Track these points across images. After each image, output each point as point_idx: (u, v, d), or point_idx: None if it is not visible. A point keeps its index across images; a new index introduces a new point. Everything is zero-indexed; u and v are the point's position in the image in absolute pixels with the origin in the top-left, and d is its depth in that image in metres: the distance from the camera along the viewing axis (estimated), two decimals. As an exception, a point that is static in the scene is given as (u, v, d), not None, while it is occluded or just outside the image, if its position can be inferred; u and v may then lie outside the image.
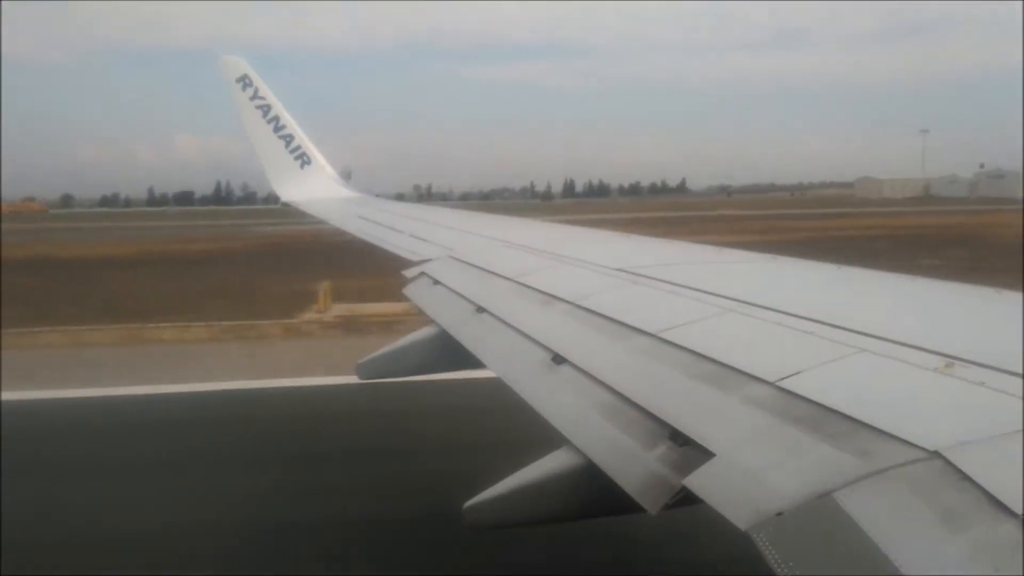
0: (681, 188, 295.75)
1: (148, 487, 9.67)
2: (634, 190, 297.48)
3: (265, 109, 13.87)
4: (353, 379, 5.71)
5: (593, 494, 2.67)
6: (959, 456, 1.80)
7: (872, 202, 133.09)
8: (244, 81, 13.77)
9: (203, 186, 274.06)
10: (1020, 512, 1.56)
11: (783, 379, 2.47)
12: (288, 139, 14.06)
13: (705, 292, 3.75)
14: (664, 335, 3.18)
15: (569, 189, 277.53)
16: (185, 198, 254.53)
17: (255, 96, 13.82)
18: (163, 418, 12.65)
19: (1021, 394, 2.06)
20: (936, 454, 1.83)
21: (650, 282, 4.22)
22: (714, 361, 2.79)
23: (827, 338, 2.79)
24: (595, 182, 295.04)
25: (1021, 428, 1.88)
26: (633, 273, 4.47)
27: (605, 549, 7.39)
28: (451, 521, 3.19)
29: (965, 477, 1.72)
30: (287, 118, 14.07)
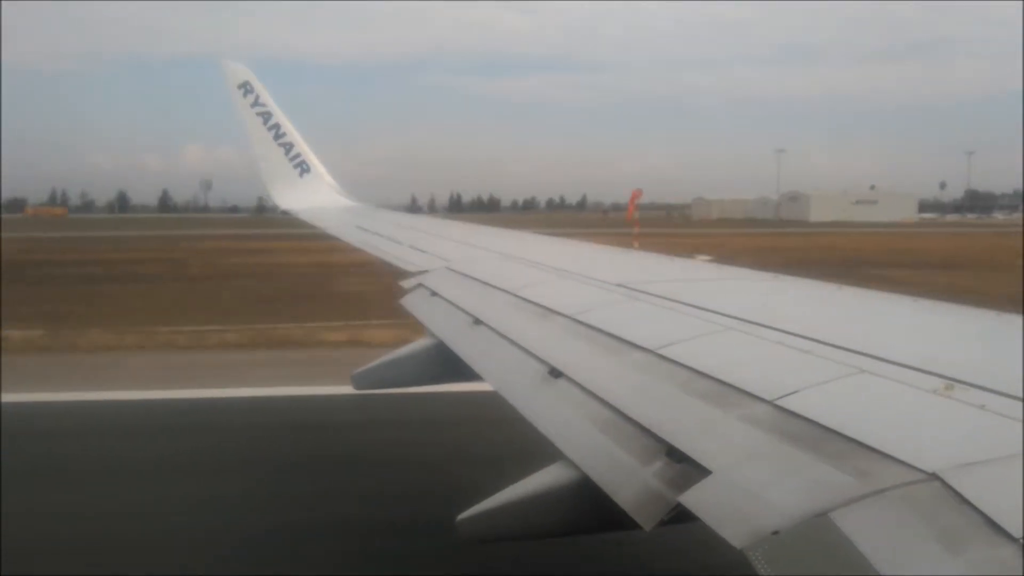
0: (581, 205, 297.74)
1: (143, 491, 9.63)
2: (528, 205, 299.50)
3: (266, 116, 13.89)
4: (348, 389, 5.70)
5: (588, 509, 2.66)
6: (957, 478, 1.79)
7: (694, 223, 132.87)
8: (245, 87, 13.80)
9: (220, 198, 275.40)
10: (1018, 536, 1.55)
11: (781, 398, 2.46)
12: (288, 147, 14.07)
13: (705, 309, 3.74)
14: (662, 351, 3.18)
15: (455, 203, 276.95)
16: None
17: (256, 103, 13.85)
18: (159, 423, 12.61)
19: (1021, 417, 2.06)
20: (934, 476, 1.82)
21: (650, 298, 4.21)
22: (712, 378, 2.78)
23: (826, 358, 2.78)
24: (484, 197, 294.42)
25: (1020, 451, 1.87)
26: (633, 289, 4.47)
27: (599, 566, 7.36)
28: (444, 534, 3.17)
29: (963, 500, 1.71)
30: (287, 126, 14.09)
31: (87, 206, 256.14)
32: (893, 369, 2.56)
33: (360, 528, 8.71)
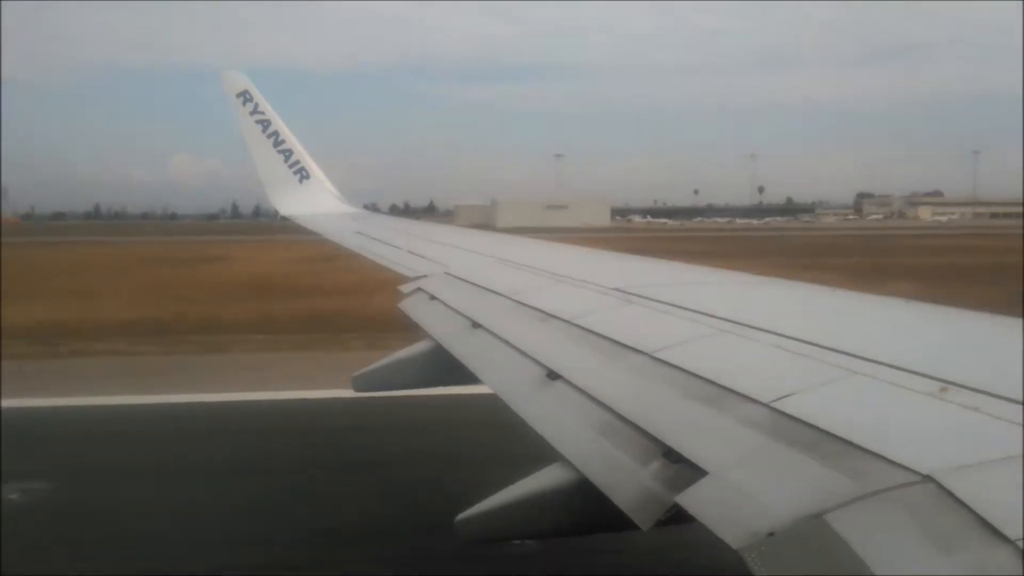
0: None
1: (144, 492, 9.66)
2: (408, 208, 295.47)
3: (265, 124, 13.92)
4: (348, 393, 5.71)
5: (586, 510, 2.67)
6: (952, 480, 1.80)
7: (488, 227, 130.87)
8: (245, 96, 13.83)
9: (198, 206, 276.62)
10: (1012, 537, 1.56)
11: (777, 400, 2.48)
12: (287, 154, 14.10)
13: (701, 313, 3.76)
14: (659, 354, 3.19)
15: (430, 208, 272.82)
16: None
17: (255, 111, 13.87)
18: (158, 428, 12.60)
19: (1014, 420, 2.07)
20: (929, 478, 1.83)
21: (646, 302, 4.23)
22: (708, 381, 2.80)
23: (822, 360, 2.80)
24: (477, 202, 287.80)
25: (1014, 453, 1.88)
26: (629, 293, 4.48)
27: (596, 566, 7.36)
28: (443, 534, 3.18)
29: (957, 501, 1.72)
30: (286, 133, 14.11)
31: (57, 216, 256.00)
32: (888, 372, 2.57)
33: (359, 528, 8.71)
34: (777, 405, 2.45)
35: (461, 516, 2.94)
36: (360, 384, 5.57)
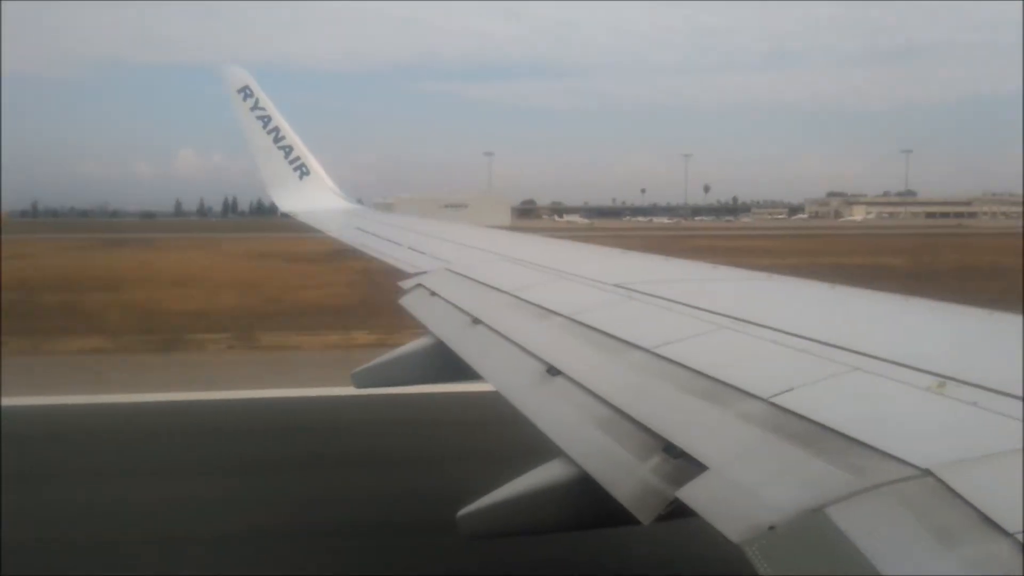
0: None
1: (141, 493, 9.65)
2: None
3: (265, 120, 13.90)
4: (348, 390, 5.72)
5: (587, 505, 2.69)
6: (951, 474, 1.81)
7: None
8: (245, 92, 13.81)
9: (195, 203, 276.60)
10: (1011, 530, 1.58)
11: (776, 395, 2.49)
12: (288, 150, 14.08)
13: (701, 309, 3.77)
14: (659, 350, 3.20)
15: (231, 207, 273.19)
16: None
17: (256, 107, 13.86)
18: (158, 426, 12.61)
19: (1013, 414, 2.08)
20: (928, 472, 1.84)
21: (646, 298, 4.24)
22: (708, 377, 2.81)
23: (821, 356, 2.81)
24: (265, 202, 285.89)
25: (1013, 448, 1.90)
26: (630, 289, 4.49)
27: (597, 561, 7.37)
28: (444, 530, 3.19)
29: (956, 495, 1.73)
30: (287, 129, 14.10)
31: (50, 212, 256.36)
32: (887, 367, 2.58)
33: (360, 525, 8.73)
34: (777, 400, 2.46)
35: (462, 512, 2.95)
36: (360, 380, 5.58)
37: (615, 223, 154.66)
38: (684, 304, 3.93)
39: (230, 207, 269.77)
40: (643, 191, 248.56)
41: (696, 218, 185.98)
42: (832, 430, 2.19)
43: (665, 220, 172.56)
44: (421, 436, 11.75)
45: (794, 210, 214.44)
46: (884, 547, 1.67)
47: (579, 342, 3.71)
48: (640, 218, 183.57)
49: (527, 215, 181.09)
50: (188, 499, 9.46)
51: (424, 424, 12.03)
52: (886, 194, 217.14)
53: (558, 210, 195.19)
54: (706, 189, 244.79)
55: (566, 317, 4.11)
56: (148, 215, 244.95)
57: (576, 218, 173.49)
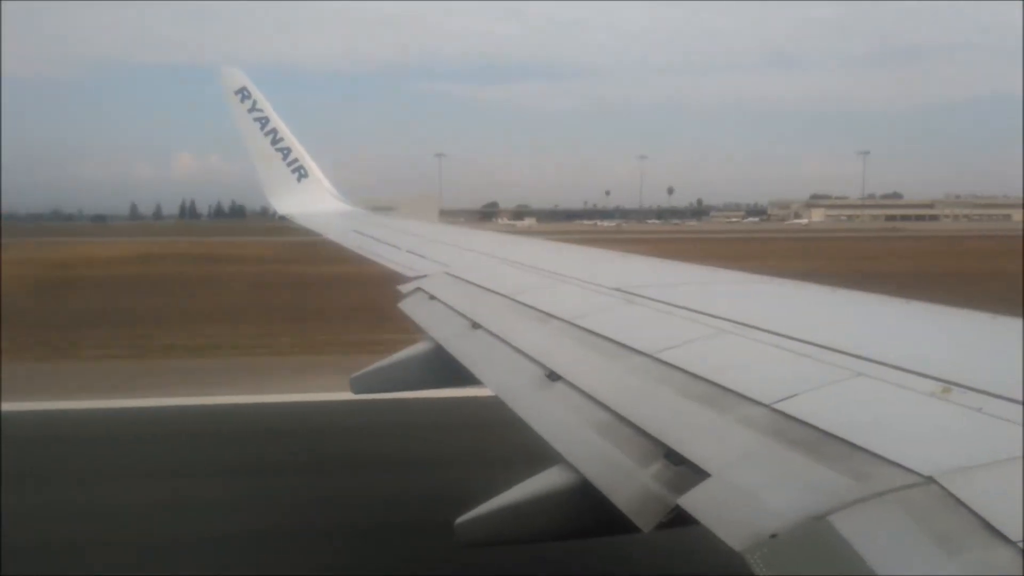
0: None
1: (140, 496, 9.64)
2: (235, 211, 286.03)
3: (263, 121, 13.85)
4: (346, 395, 5.68)
5: (587, 512, 2.66)
6: (954, 481, 1.79)
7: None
8: (243, 93, 13.76)
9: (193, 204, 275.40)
10: (1014, 538, 1.56)
11: (779, 401, 2.47)
12: (285, 152, 14.03)
13: (701, 313, 3.75)
14: (660, 355, 3.18)
15: (189, 210, 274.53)
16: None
17: (253, 108, 13.81)
18: (159, 430, 12.61)
19: (1018, 420, 2.06)
20: (931, 479, 1.82)
21: (646, 302, 4.22)
22: (710, 382, 2.79)
23: (824, 361, 2.79)
24: (224, 205, 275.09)
25: (1017, 455, 1.88)
26: (630, 293, 4.47)
27: (598, 569, 7.35)
28: (442, 537, 3.17)
29: (960, 503, 1.71)
30: (285, 131, 14.04)
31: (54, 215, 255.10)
32: (890, 372, 2.56)
33: (358, 531, 8.71)
34: (779, 406, 2.44)
35: (461, 519, 2.93)
36: (358, 386, 5.54)
37: (562, 226, 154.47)
38: (685, 308, 3.91)
39: (187, 211, 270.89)
40: (607, 193, 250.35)
41: (649, 221, 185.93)
42: (835, 436, 2.17)
43: (606, 223, 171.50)
44: (420, 441, 11.73)
45: (756, 212, 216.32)
46: (887, 555, 1.65)
47: (579, 346, 3.69)
48: (586, 221, 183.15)
49: (488, 218, 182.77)
50: (187, 503, 9.45)
51: (423, 429, 12.01)
52: (870, 196, 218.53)
53: (521, 213, 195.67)
54: (670, 191, 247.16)
55: (566, 321, 4.09)
56: (99, 218, 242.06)
57: (533, 221, 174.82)
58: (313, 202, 13.83)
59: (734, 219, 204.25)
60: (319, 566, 7.94)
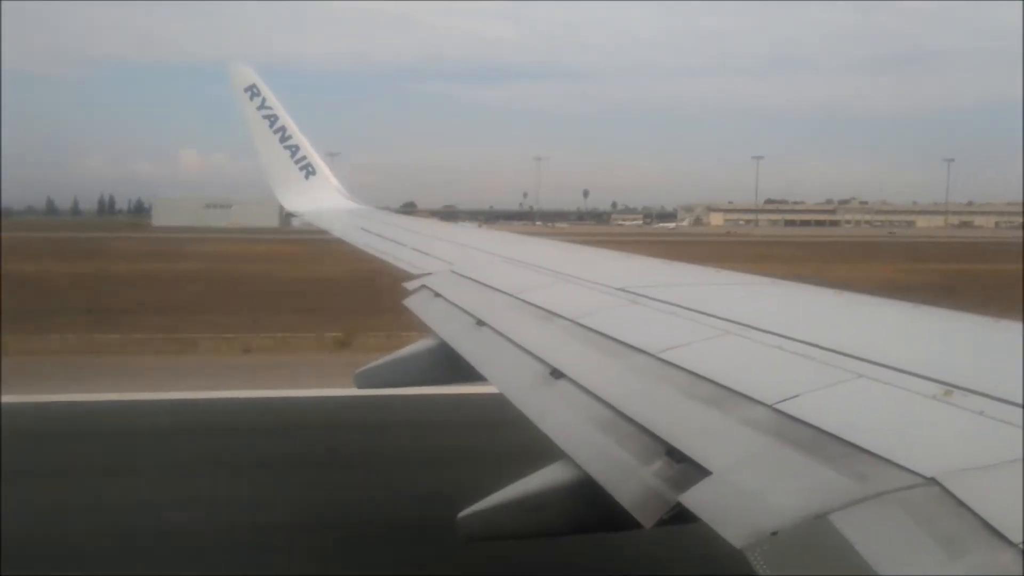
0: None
1: (143, 491, 9.66)
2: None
3: (272, 119, 13.86)
4: (350, 391, 5.71)
5: (589, 508, 2.68)
6: (956, 483, 1.80)
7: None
8: (252, 90, 13.77)
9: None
10: (1016, 540, 1.57)
11: (781, 402, 2.48)
12: (294, 149, 14.05)
13: (705, 313, 3.75)
14: (663, 355, 3.19)
15: (108, 206, 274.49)
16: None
17: (262, 106, 13.83)
18: (161, 424, 12.64)
19: (1019, 423, 2.07)
20: (933, 481, 1.83)
21: (651, 302, 4.23)
22: (712, 382, 2.80)
23: (826, 362, 2.79)
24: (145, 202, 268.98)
25: (1018, 457, 1.88)
26: (634, 293, 4.48)
27: (599, 565, 7.36)
28: (445, 532, 3.19)
29: (961, 504, 1.72)
30: (293, 128, 14.05)
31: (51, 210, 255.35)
32: (892, 374, 2.57)
33: (361, 526, 8.72)
34: (781, 407, 2.45)
35: (463, 514, 2.94)
36: (363, 381, 5.57)
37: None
38: (688, 308, 3.91)
39: (106, 207, 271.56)
40: (525, 195, 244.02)
41: (536, 223, 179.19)
42: (836, 437, 2.17)
43: (471, 224, 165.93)
44: (423, 437, 11.75)
45: (663, 217, 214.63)
46: (887, 555, 1.66)
47: (583, 345, 3.70)
48: (516, 222, 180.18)
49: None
50: (188, 497, 9.46)
51: (426, 425, 12.04)
52: (829, 201, 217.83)
53: (449, 213, 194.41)
54: (585, 194, 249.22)
55: (570, 320, 4.10)
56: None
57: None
58: (320, 199, 13.85)
59: (628, 222, 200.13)
60: (322, 562, 7.96)
